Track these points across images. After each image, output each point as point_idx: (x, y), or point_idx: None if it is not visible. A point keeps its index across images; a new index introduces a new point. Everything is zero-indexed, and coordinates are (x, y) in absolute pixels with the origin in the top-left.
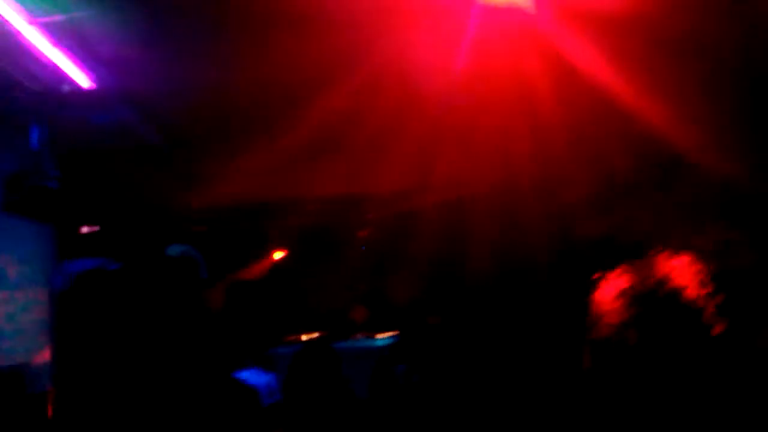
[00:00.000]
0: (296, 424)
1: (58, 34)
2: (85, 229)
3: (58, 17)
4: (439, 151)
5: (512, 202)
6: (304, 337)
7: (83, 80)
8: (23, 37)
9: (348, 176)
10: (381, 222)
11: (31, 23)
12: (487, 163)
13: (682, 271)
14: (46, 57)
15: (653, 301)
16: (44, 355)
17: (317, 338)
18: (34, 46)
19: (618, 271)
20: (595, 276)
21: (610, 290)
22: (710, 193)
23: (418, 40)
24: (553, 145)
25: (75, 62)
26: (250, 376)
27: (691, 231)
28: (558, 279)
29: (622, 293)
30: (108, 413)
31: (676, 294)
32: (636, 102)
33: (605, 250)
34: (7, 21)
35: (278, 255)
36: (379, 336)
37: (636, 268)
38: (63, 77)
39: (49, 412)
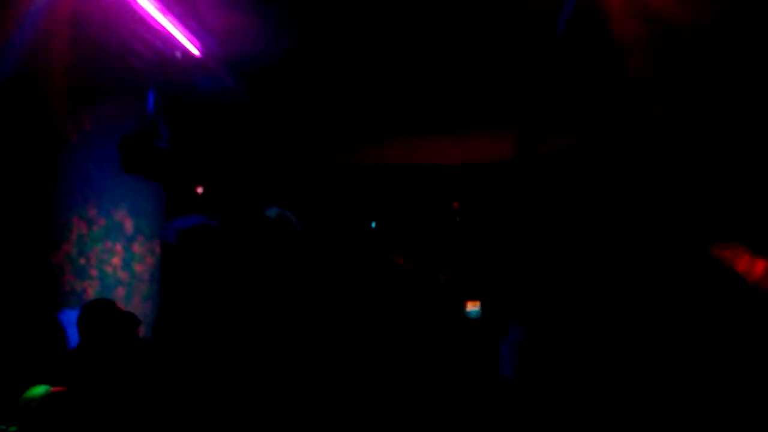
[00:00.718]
0: None
1: (168, 3)
2: (193, 188)
3: None
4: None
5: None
6: None
7: (192, 48)
8: (137, 5)
9: (446, 146)
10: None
11: None
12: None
13: None
14: (158, 24)
15: None
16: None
17: None
18: (148, 14)
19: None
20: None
21: None
22: None
23: None
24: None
25: (185, 31)
26: None
27: None
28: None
29: None
30: (202, 360)
31: None
32: None
33: None
34: None
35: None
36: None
37: None
38: (174, 44)
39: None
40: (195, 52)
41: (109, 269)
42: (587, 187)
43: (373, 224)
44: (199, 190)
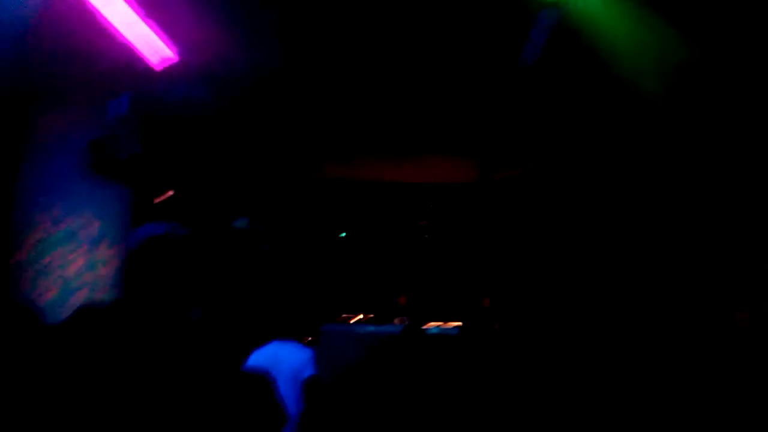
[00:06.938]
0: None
1: (145, 9)
2: (159, 194)
3: None
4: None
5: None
6: (354, 319)
7: (166, 55)
8: (111, 10)
9: (411, 166)
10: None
11: None
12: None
13: None
14: (132, 31)
15: None
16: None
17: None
18: (122, 21)
19: None
20: None
21: None
22: None
23: None
24: None
25: (159, 37)
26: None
27: None
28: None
29: None
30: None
31: None
32: None
33: None
34: None
35: (341, 235)
36: (452, 324)
37: None
38: (147, 51)
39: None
40: (166, 59)
41: (71, 271)
42: (542, 207)
43: (342, 234)
44: (169, 193)
